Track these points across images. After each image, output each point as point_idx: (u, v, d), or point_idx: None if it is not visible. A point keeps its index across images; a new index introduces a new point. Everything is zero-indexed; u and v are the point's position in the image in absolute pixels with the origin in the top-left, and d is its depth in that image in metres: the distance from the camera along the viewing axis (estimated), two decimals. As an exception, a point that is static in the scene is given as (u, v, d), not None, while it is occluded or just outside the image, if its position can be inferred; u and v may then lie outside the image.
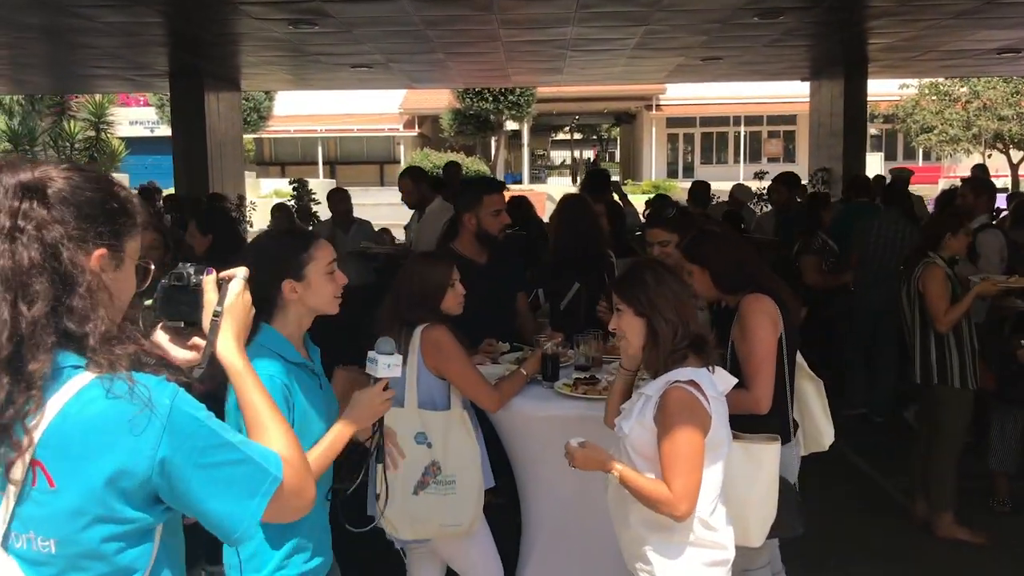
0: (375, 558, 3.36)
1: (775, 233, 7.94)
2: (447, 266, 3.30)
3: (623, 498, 2.58)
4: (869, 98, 12.06)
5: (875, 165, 21.71)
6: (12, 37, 8.52)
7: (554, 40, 8.90)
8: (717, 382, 2.57)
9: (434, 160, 29.38)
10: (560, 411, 3.28)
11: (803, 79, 12.78)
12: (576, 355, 3.75)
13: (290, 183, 12.61)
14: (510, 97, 26.75)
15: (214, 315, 1.60)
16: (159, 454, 1.34)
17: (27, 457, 1.32)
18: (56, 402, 1.33)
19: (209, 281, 1.63)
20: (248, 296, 1.66)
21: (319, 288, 2.43)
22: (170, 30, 8.51)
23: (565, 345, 3.76)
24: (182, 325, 1.65)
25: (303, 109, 32.17)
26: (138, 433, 1.33)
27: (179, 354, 1.65)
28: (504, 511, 3.89)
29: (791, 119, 33.67)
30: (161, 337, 1.66)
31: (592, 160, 43.99)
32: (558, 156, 53.65)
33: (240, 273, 1.66)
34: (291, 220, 9.21)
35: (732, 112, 35.37)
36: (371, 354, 2.40)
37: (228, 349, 1.60)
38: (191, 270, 1.64)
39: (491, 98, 26.60)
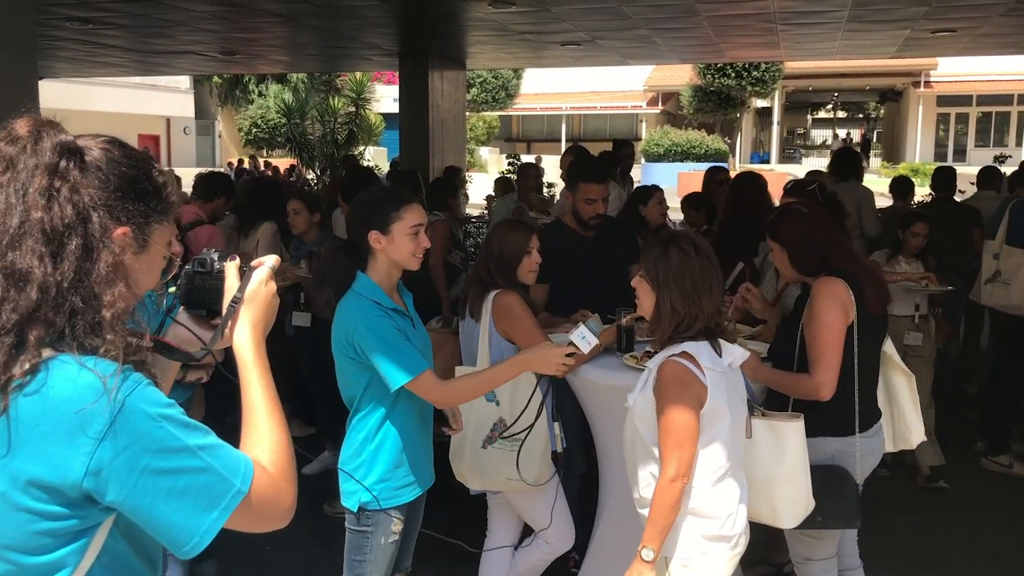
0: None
1: None
2: (525, 234, 3.47)
3: (632, 462, 2.66)
4: None
5: None
6: (258, 22, 9.57)
7: (758, 13, 8.61)
8: (725, 356, 2.56)
9: (673, 138, 29.00)
10: (619, 381, 3.34)
11: (1065, 51, 11.39)
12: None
13: (507, 158, 13.16)
14: (754, 73, 25.56)
15: (232, 301, 1.54)
16: (97, 454, 1.23)
17: None
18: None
19: (231, 267, 1.57)
20: (273, 286, 1.58)
21: (400, 244, 2.82)
22: (393, 12, 9.16)
23: None
24: (204, 313, 1.61)
25: (549, 87, 32.90)
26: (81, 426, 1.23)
27: (200, 334, 1.62)
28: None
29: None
30: (183, 316, 1.63)
31: (855, 140, 41.37)
32: (819, 135, 50.99)
33: (268, 261, 1.59)
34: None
35: (1018, 90, 31.88)
36: (580, 323, 2.73)
37: (241, 337, 1.51)
38: (215, 256, 1.60)
39: (733, 74, 25.59)
